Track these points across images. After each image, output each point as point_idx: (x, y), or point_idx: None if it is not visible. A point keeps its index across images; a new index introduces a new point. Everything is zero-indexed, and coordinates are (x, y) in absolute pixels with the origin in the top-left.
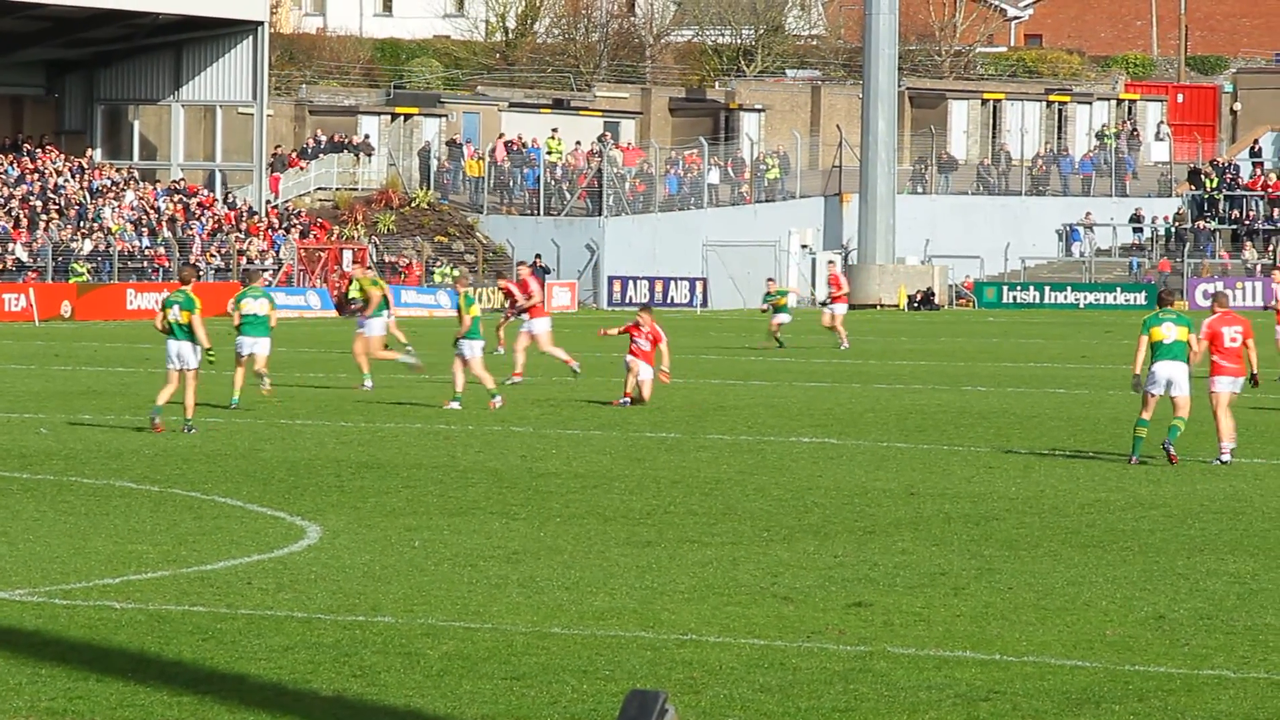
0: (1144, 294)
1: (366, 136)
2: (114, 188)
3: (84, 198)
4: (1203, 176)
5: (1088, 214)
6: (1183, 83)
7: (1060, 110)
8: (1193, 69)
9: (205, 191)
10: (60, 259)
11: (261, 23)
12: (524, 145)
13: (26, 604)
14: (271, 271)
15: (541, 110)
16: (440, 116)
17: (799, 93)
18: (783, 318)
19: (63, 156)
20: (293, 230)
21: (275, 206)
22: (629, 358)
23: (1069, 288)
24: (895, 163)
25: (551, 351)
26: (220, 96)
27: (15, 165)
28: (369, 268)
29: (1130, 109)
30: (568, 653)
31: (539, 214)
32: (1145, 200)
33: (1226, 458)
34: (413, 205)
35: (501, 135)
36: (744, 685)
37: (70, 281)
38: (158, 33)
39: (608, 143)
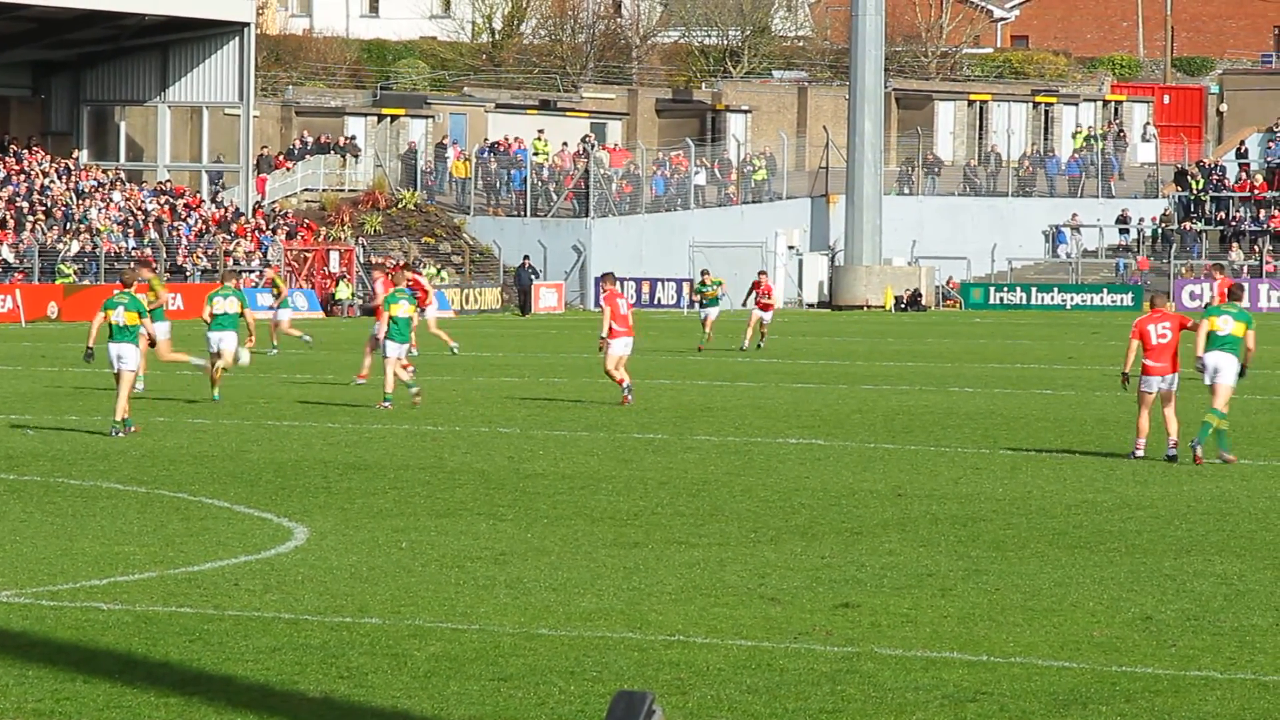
0: (1130, 295)
1: (352, 137)
2: (100, 189)
3: (70, 199)
4: (1189, 178)
5: (1074, 215)
6: (1169, 84)
7: (1047, 111)
8: (1179, 70)
9: (196, 193)
10: (46, 260)
11: (248, 24)
12: (510, 146)
13: (13, 605)
14: (258, 273)
15: (528, 111)
16: (427, 118)
17: (785, 94)
18: (712, 312)
19: (49, 157)
20: (279, 231)
21: (262, 207)
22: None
23: (1055, 289)
24: (882, 164)
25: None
26: (207, 98)
27: (1, 166)
28: (154, 269)
29: (1116, 110)
30: (555, 654)
31: (526, 215)
32: (1131, 201)
33: (1173, 452)
34: (399, 206)
35: (486, 139)
36: (731, 686)
37: (57, 283)
38: (144, 34)
39: (594, 144)
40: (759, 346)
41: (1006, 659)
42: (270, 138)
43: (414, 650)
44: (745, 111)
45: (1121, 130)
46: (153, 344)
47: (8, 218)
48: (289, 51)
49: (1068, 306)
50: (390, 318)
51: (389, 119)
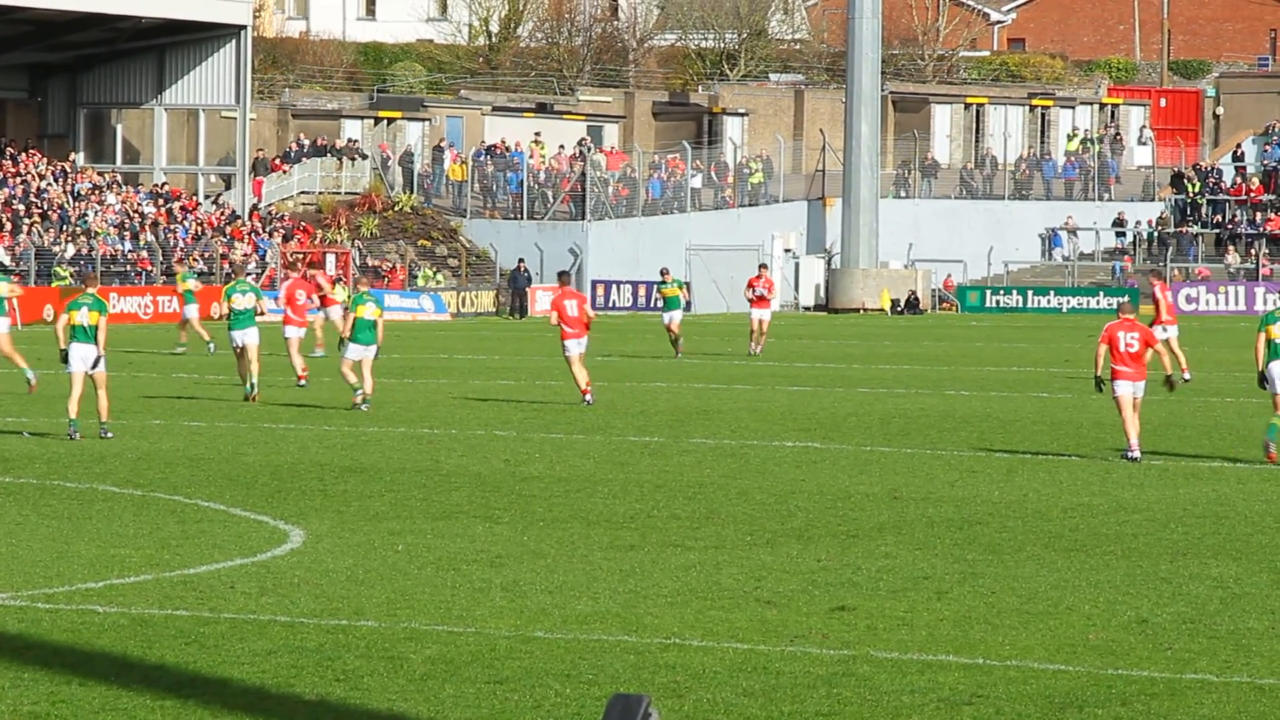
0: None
1: (350, 140)
2: (97, 191)
3: (67, 202)
4: (1185, 181)
5: (1070, 218)
6: (1165, 87)
7: (1043, 114)
8: (1175, 73)
9: (193, 195)
10: (43, 263)
11: (244, 26)
12: (507, 149)
13: (9, 608)
14: (255, 275)
15: (525, 114)
16: (423, 120)
17: (782, 97)
18: (675, 315)
19: (45, 160)
20: (276, 234)
21: (258, 210)
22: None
23: (1052, 292)
24: (878, 167)
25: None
26: (203, 100)
27: None
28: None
29: (1113, 113)
30: (551, 657)
31: (522, 218)
32: (1128, 204)
33: (1135, 454)
34: (396, 209)
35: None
36: (727, 689)
37: (53, 285)
38: (140, 36)
39: (590, 147)
40: (750, 354)
41: (1002, 662)
42: (267, 140)
43: (410, 653)
44: (742, 114)
45: (1118, 133)
46: None
47: (4, 220)
48: (285, 54)
49: (1064, 310)
50: (354, 319)
51: (385, 122)
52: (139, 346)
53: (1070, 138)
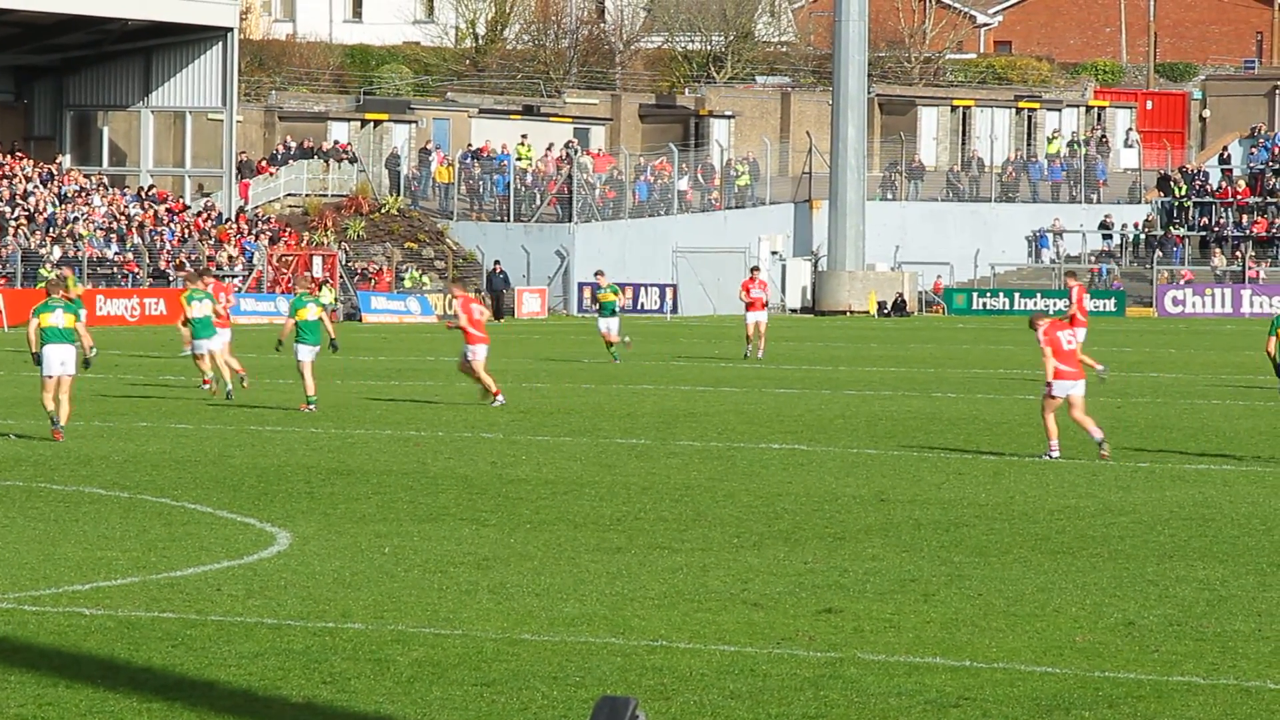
0: (1113, 301)
1: (336, 143)
2: (83, 194)
3: (53, 204)
4: (1172, 183)
5: (1056, 220)
6: (1152, 89)
7: (1030, 117)
8: (1162, 76)
9: (179, 197)
10: (30, 265)
11: (231, 29)
12: (494, 152)
13: None
14: (241, 277)
15: (511, 116)
16: (410, 123)
17: (769, 99)
18: (612, 323)
19: (32, 163)
20: (262, 236)
21: (245, 212)
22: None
23: (1038, 294)
24: (865, 169)
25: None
26: (190, 103)
27: None
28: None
29: (1100, 116)
30: (538, 659)
31: (509, 220)
32: (1115, 207)
33: (1105, 452)
34: (382, 211)
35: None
36: (714, 691)
37: (39, 288)
38: (127, 39)
39: (577, 149)
40: (746, 356)
41: (989, 664)
42: (254, 143)
43: (397, 655)
44: (729, 117)
45: (1104, 136)
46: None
47: None
48: (272, 57)
49: (1050, 312)
50: (298, 322)
51: (372, 124)
52: (125, 348)
53: (1051, 140)
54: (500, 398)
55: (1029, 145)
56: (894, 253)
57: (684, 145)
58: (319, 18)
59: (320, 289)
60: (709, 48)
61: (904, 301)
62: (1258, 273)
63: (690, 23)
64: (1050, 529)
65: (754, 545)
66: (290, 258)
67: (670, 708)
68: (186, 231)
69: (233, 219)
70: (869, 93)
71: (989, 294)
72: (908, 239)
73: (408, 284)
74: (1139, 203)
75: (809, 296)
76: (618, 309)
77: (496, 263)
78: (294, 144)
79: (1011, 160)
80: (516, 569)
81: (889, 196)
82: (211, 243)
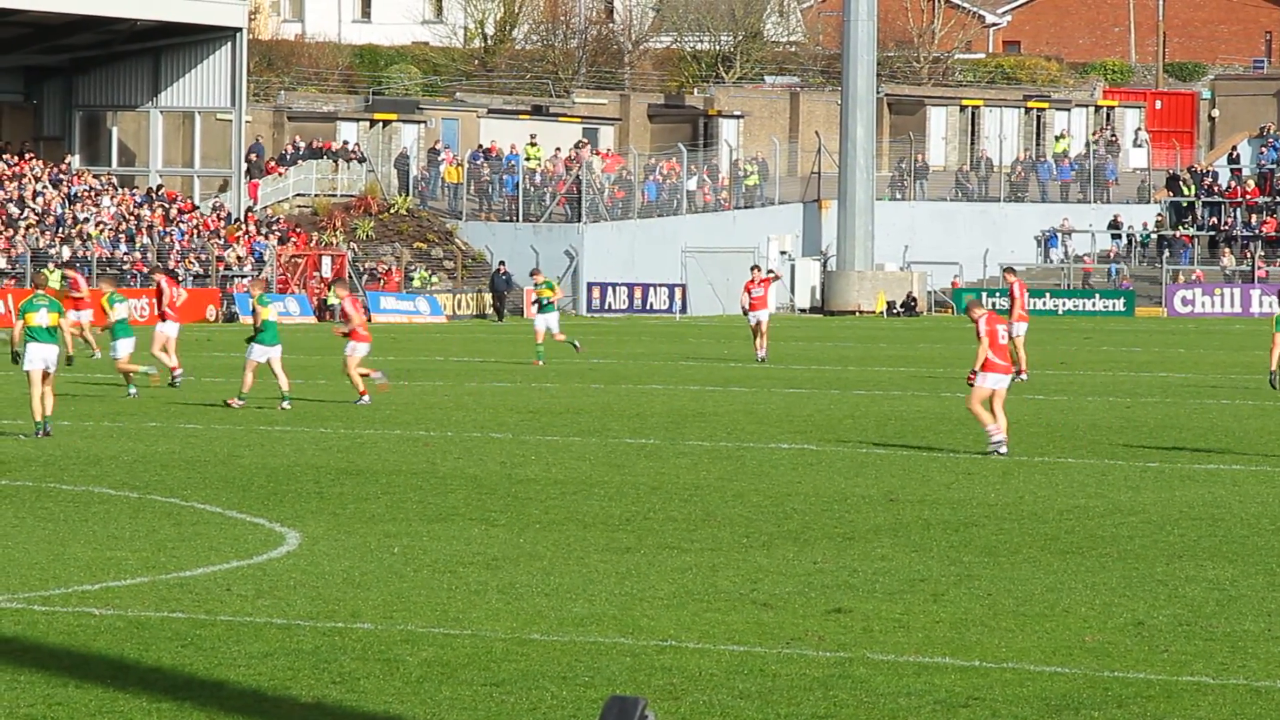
0: (1122, 300)
1: (346, 143)
2: (92, 194)
3: (62, 204)
4: (1181, 183)
5: (1065, 220)
6: (1161, 89)
7: (1039, 117)
8: (1171, 75)
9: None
10: (39, 265)
11: (240, 29)
12: (502, 152)
13: (5, 610)
14: (251, 277)
15: (520, 116)
16: (419, 123)
17: (778, 99)
18: (549, 320)
19: (41, 163)
20: (271, 236)
21: (254, 212)
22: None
23: (1047, 294)
24: (874, 169)
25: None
26: (199, 103)
27: None
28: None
29: (1109, 116)
30: (547, 659)
31: (518, 220)
32: (1124, 207)
33: (1003, 450)
34: (391, 211)
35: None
36: (723, 691)
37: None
38: (136, 39)
39: (587, 149)
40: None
41: (999, 664)
42: (262, 143)
43: (406, 655)
44: (738, 117)
45: (1114, 136)
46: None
47: (1, 223)
48: (281, 57)
49: (1059, 312)
50: (262, 320)
51: (381, 124)
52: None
53: (1058, 140)
54: (366, 398)
55: (1038, 145)
56: (903, 253)
57: (693, 145)
58: (328, 18)
59: (329, 289)
60: (718, 48)
61: (914, 301)
62: (1267, 272)
63: (699, 23)
64: (1059, 529)
65: (763, 545)
66: (299, 258)
67: (679, 708)
68: (194, 231)
69: (242, 219)
70: (878, 93)
71: (998, 294)
72: (917, 239)
73: (417, 284)
74: (1148, 203)
75: (818, 296)
76: (555, 307)
77: (501, 263)
78: (303, 144)
79: (1020, 160)
80: (526, 569)
81: (898, 196)
82: (220, 243)
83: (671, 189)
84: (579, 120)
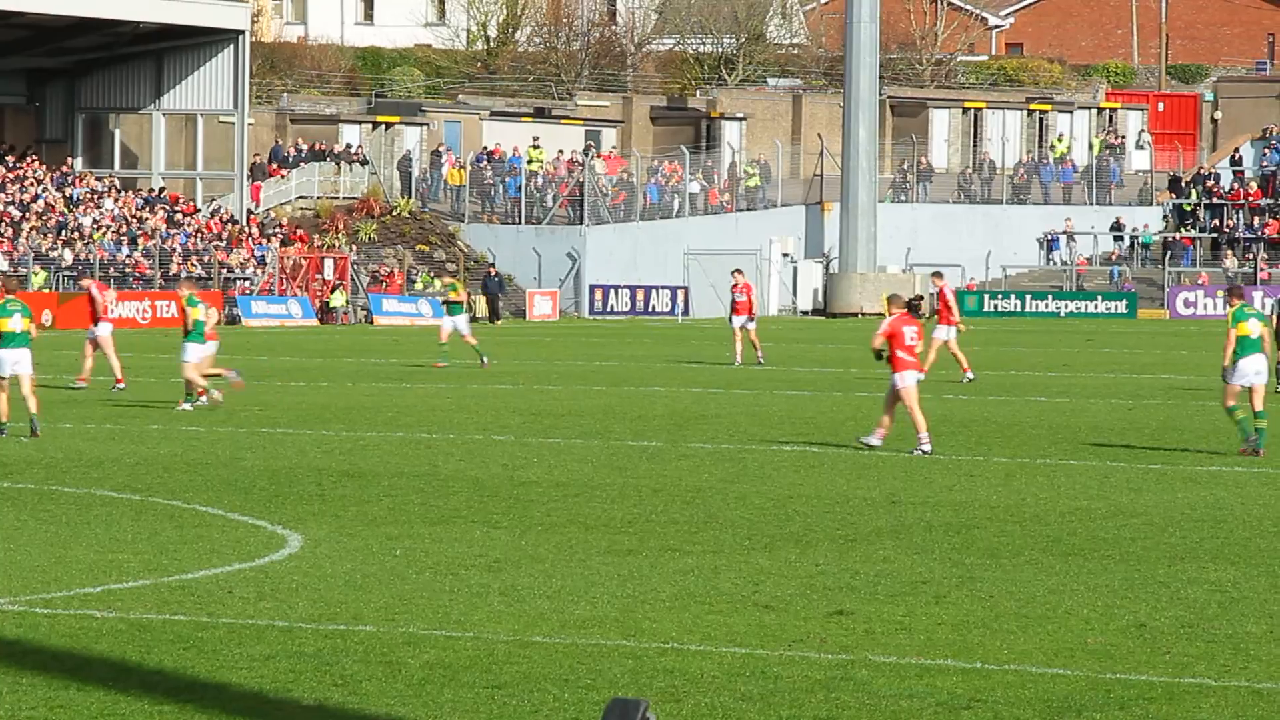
0: (1124, 302)
1: (348, 146)
2: (94, 196)
3: (65, 206)
4: (1183, 185)
5: (1068, 222)
6: (1163, 91)
7: (1041, 119)
8: (1173, 78)
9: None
10: (41, 268)
11: (242, 31)
12: (505, 154)
13: (7, 613)
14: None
15: (523, 119)
16: (421, 125)
17: (780, 101)
18: (459, 322)
19: (43, 165)
20: (274, 239)
21: (256, 215)
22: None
23: (1050, 296)
24: (876, 171)
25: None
26: (201, 105)
27: None
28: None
29: (1111, 117)
30: (549, 661)
31: (520, 223)
32: (1126, 209)
33: (928, 448)
34: (394, 214)
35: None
36: (725, 694)
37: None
38: (138, 41)
39: (590, 151)
40: (759, 363)
41: (1000, 666)
42: (265, 145)
43: (408, 658)
44: (740, 119)
45: (1119, 137)
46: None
47: (3, 225)
48: (284, 59)
49: (1062, 314)
50: (192, 320)
51: (384, 127)
52: (137, 350)
53: (1057, 142)
54: (204, 398)
55: (1040, 147)
56: (905, 255)
57: (695, 147)
58: (330, 20)
59: (332, 292)
60: (720, 50)
61: (919, 302)
62: (1269, 274)
63: (701, 25)
64: (1062, 531)
65: (765, 547)
66: (301, 260)
67: (681, 710)
68: (197, 234)
69: (244, 222)
70: (880, 95)
71: (1000, 296)
72: (919, 241)
73: (419, 286)
74: (1150, 204)
75: (820, 298)
76: (464, 309)
77: (491, 265)
78: (305, 146)
79: (1023, 162)
80: (528, 571)
81: (900, 198)
82: (223, 245)
83: (674, 191)
84: (581, 122)
